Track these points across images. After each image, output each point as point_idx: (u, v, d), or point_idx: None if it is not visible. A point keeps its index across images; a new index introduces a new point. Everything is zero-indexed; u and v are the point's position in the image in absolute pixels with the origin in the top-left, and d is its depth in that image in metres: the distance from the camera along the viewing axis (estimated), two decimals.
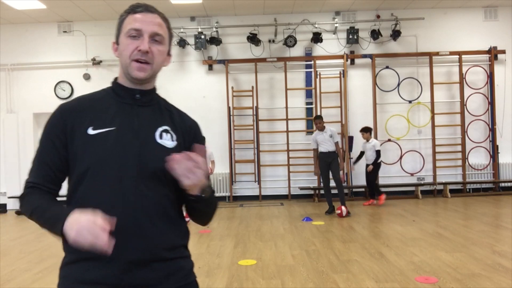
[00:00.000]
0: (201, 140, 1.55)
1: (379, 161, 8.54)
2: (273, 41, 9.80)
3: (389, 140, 9.74)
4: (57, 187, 1.42)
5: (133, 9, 1.43)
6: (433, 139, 9.72)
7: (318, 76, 9.74)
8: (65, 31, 9.91)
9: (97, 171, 1.35)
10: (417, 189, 9.55)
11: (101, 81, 9.70)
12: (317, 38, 9.45)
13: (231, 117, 9.72)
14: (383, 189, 9.66)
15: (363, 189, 9.55)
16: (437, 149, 9.73)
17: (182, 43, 9.53)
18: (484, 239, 5.53)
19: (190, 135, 1.51)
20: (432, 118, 9.71)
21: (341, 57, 9.77)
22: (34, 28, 9.87)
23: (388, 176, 9.74)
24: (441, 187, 9.67)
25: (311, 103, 9.83)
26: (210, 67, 9.90)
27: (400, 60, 9.83)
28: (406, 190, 9.71)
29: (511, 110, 9.81)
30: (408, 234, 5.98)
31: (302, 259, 4.94)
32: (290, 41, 9.46)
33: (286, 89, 9.69)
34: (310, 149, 8.56)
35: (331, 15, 9.84)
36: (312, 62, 9.77)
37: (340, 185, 7.68)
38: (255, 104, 9.73)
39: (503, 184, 9.74)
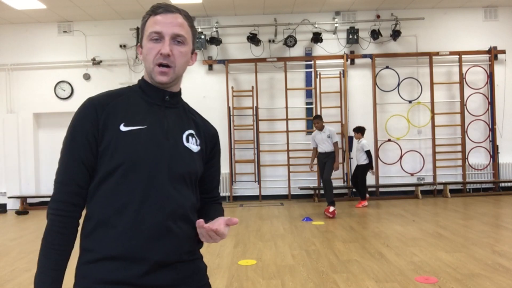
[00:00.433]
0: (219, 149, 1.57)
1: (368, 162, 8.49)
2: (273, 41, 9.80)
3: (389, 140, 9.74)
4: (87, 187, 1.35)
5: (154, 11, 1.40)
6: (433, 139, 9.73)
7: (318, 76, 9.74)
8: (65, 31, 9.90)
9: (129, 168, 1.33)
10: (417, 189, 9.55)
11: (101, 81, 9.72)
12: (317, 38, 9.45)
13: (231, 117, 9.72)
14: (383, 189, 9.70)
15: (367, 188, 9.51)
16: (437, 149, 9.73)
17: None
18: (484, 239, 5.53)
19: (212, 143, 1.53)
20: (432, 118, 9.71)
21: (341, 57, 9.77)
22: (34, 28, 9.87)
23: (388, 176, 9.75)
24: (441, 187, 9.67)
25: (311, 103, 9.83)
26: (210, 67, 9.90)
27: (400, 60, 9.83)
28: (406, 190, 9.71)
29: (511, 110, 9.81)
30: (408, 234, 5.98)
31: (302, 259, 4.94)
32: (290, 41, 9.46)
33: (286, 89, 9.69)
34: (310, 149, 8.57)
35: (331, 15, 9.84)
36: (312, 62, 9.77)
37: (327, 185, 7.66)
38: (255, 104, 9.73)
39: (503, 184, 9.74)
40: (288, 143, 9.69)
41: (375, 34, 9.52)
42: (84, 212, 1.39)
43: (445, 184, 9.53)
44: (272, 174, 9.86)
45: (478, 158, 9.82)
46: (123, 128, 1.35)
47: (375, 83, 9.77)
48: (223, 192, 9.72)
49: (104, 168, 1.33)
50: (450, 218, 7.08)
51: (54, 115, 9.83)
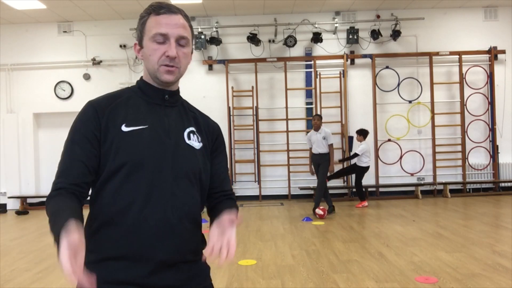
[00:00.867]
0: (222, 143, 1.57)
1: (367, 165, 8.47)
2: (273, 41, 9.80)
3: (389, 140, 9.74)
4: (87, 187, 1.33)
5: (156, 10, 1.38)
6: (433, 139, 9.72)
7: (318, 76, 9.74)
8: (65, 31, 9.90)
9: (132, 169, 1.32)
10: (417, 189, 9.55)
11: (101, 81, 9.72)
12: (317, 38, 9.45)
13: (231, 117, 9.72)
14: (383, 189, 9.69)
15: (363, 189, 9.52)
16: (437, 149, 9.73)
17: None
18: (484, 239, 5.53)
19: (213, 137, 1.52)
20: (432, 118, 9.71)
21: (341, 57, 9.77)
22: (34, 28, 9.87)
23: (388, 176, 9.75)
24: (441, 187, 9.67)
25: (311, 103, 9.83)
26: (210, 67, 9.90)
27: (400, 60, 9.83)
28: (406, 190, 9.71)
29: (511, 110, 9.81)
30: (408, 234, 5.98)
31: (302, 259, 4.94)
32: (290, 41, 9.46)
33: (286, 89, 9.69)
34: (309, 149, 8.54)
35: (331, 15, 9.84)
36: (312, 62, 9.77)
37: (320, 187, 7.63)
38: (255, 104, 9.73)
39: (503, 184, 9.74)
40: (288, 143, 9.69)
41: (375, 34, 9.52)
42: (87, 213, 1.38)
43: (445, 184, 9.53)
44: (272, 174, 9.86)
45: (478, 158, 9.82)
46: (124, 128, 1.35)
47: (375, 83, 9.77)
48: None
49: (107, 169, 1.33)
50: (450, 218, 7.08)
51: (54, 115, 9.83)
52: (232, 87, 9.79)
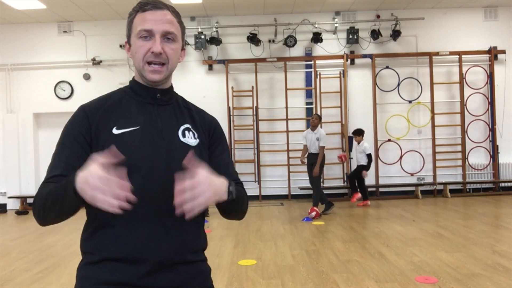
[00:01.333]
0: (221, 135, 1.54)
1: (370, 164, 8.50)
2: (273, 41, 9.80)
3: (389, 140, 9.74)
4: None
5: (141, 7, 1.38)
6: (433, 139, 9.73)
7: (318, 76, 9.74)
8: (65, 31, 9.90)
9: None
10: (417, 189, 9.55)
11: (101, 81, 9.72)
12: (317, 38, 9.45)
13: (231, 117, 9.72)
14: (383, 189, 9.69)
15: (366, 189, 9.51)
16: (437, 149, 9.73)
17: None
18: (484, 239, 5.53)
19: (210, 131, 1.50)
20: (432, 118, 9.71)
21: (341, 57, 9.77)
22: (34, 28, 9.87)
23: (388, 176, 9.75)
24: (441, 187, 9.67)
25: (311, 103, 9.83)
26: (210, 67, 9.90)
27: (400, 60, 9.83)
28: (406, 190, 9.71)
29: (511, 110, 9.81)
30: (408, 234, 5.98)
31: (302, 259, 4.94)
32: (290, 41, 9.46)
33: (286, 89, 9.69)
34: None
35: (331, 15, 9.84)
36: (312, 62, 9.77)
37: (315, 187, 7.65)
38: (255, 104, 9.73)
39: (503, 184, 9.74)
40: (288, 143, 9.69)
41: (375, 34, 9.52)
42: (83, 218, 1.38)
43: (445, 184, 9.53)
44: (272, 174, 9.86)
45: (478, 158, 9.82)
46: (115, 131, 1.34)
47: (375, 83, 9.77)
48: None
49: None
50: (450, 218, 7.08)
51: (54, 115, 9.83)
52: (232, 87, 9.79)
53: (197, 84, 9.77)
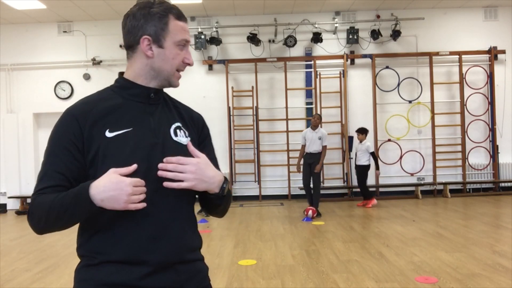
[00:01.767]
0: (208, 132, 1.57)
1: (368, 163, 8.50)
2: (273, 41, 9.80)
3: (389, 140, 9.74)
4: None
5: (174, 13, 1.39)
6: (433, 139, 9.72)
7: (318, 76, 9.74)
8: (65, 31, 9.90)
9: None
10: (417, 189, 9.55)
11: (101, 81, 9.71)
12: (317, 38, 9.45)
13: (231, 117, 9.72)
14: (383, 189, 9.69)
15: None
16: (437, 149, 9.73)
17: None
18: (484, 239, 5.53)
19: (198, 128, 1.52)
20: (432, 118, 9.71)
21: (341, 57, 9.77)
22: (34, 28, 9.87)
23: (388, 176, 9.75)
24: (441, 187, 9.66)
25: (311, 103, 9.83)
26: (210, 67, 9.90)
27: (400, 60, 9.83)
28: (406, 190, 9.71)
29: (511, 110, 9.81)
30: (408, 234, 5.98)
31: (302, 259, 4.94)
32: (290, 41, 9.46)
33: (286, 89, 9.69)
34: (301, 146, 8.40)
35: (331, 15, 9.84)
36: (312, 62, 9.77)
37: (317, 187, 7.64)
38: (255, 104, 9.73)
39: (503, 184, 9.74)
40: (288, 143, 9.69)
41: (375, 34, 9.52)
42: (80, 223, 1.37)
43: (445, 184, 9.53)
44: (272, 174, 9.86)
45: (478, 158, 9.82)
46: (108, 134, 1.33)
47: (375, 83, 9.77)
48: None
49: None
50: (450, 218, 7.08)
51: (54, 115, 9.73)
52: (232, 87, 9.79)
53: (197, 84, 9.77)
